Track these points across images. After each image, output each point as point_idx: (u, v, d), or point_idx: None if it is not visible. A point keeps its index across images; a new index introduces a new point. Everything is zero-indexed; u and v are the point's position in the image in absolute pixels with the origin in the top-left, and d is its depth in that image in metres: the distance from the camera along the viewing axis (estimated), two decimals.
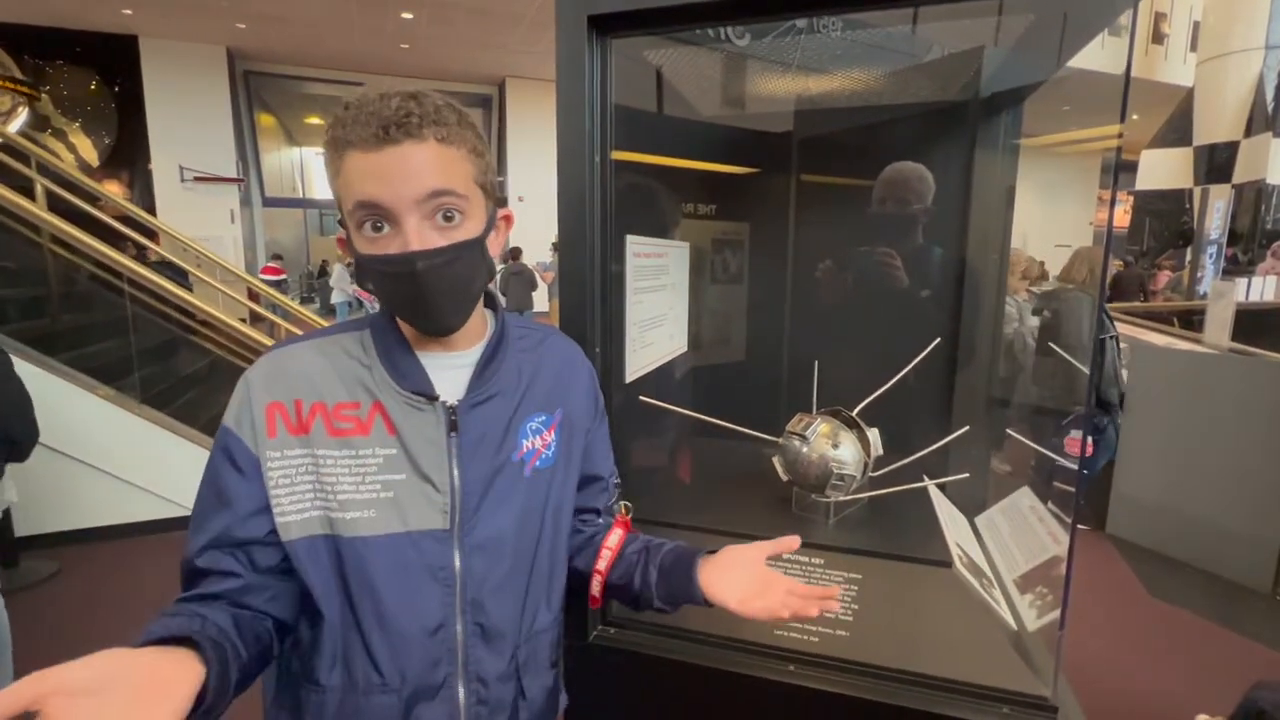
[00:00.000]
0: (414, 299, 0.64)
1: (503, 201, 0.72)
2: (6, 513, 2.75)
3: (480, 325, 0.74)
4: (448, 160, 0.62)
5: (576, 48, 0.91)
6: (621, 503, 0.92)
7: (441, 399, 0.69)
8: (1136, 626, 2.58)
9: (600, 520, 0.87)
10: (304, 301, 12.69)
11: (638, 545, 0.83)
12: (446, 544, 0.68)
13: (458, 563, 0.68)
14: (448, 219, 0.63)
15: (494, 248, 0.70)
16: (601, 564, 0.81)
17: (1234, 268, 5.97)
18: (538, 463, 0.74)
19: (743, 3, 0.87)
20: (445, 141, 0.62)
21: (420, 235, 0.61)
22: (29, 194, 3.72)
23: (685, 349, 1.50)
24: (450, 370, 0.71)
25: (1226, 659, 2.37)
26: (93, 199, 4.66)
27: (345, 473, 0.66)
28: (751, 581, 0.74)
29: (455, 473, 0.68)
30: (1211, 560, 2.89)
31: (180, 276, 4.70)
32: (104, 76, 8.71)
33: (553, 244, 8.96)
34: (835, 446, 1.20)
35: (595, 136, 0.95)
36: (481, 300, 0.73)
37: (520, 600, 0.73)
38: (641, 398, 1.24)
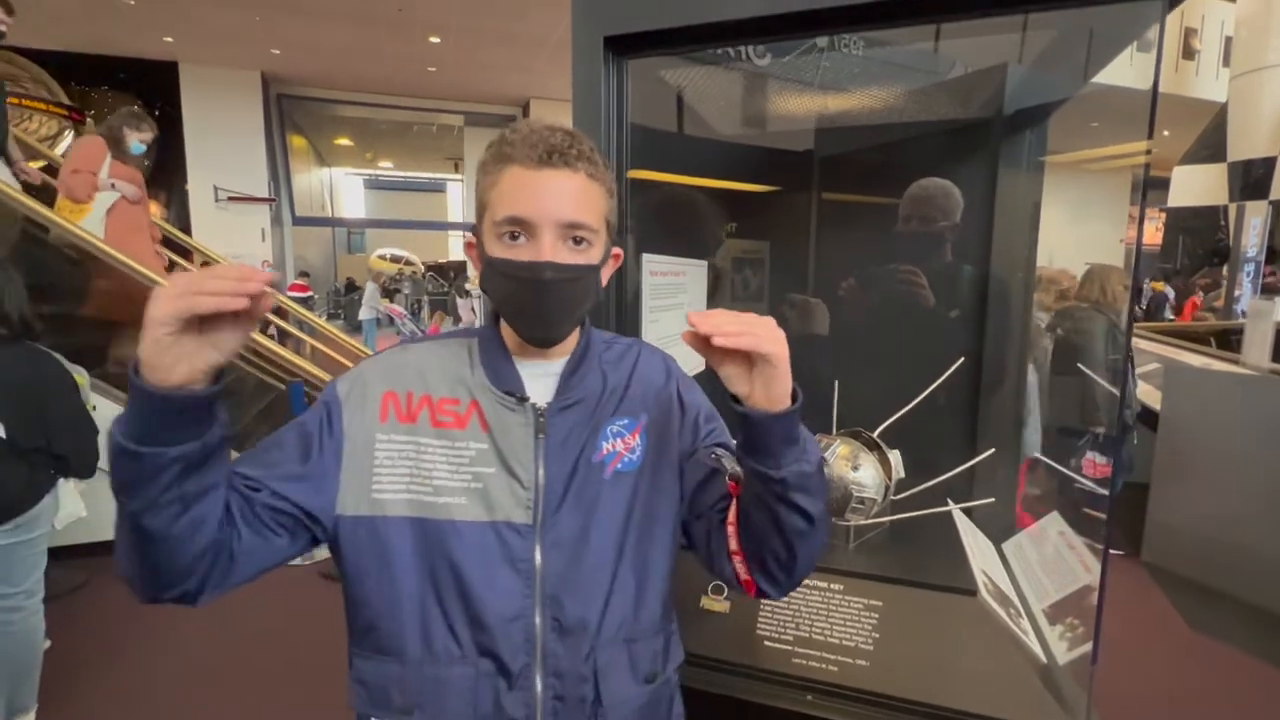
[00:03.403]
0: (532, 305, 0.70)
1: (618, 240, 0.79)
2: None
3: (571, 338, 0.79)
4: (590, 194, 0.70)
5: (593, 68, 0.92)
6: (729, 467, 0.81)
7: (531, 401, 0.74)
8: (1174, 661, 2.47)
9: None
10: (330, 318, 12.93)
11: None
12: (529, 538, 0.71)
13: (538, 557, 0.71)
14: (577, 243, 0.70)
15: (603, 278, 0.77)
16: (733, 543, 0.74)
17: (1273, 285, 5.80)
18: (619, 465, 0.76)
19: (756, 23, 0.87)
20: (592, 177, 0.70)
21: (554, 250, 0.68)
22: None
23: (703, 368, 1.48)
24: (542, 378, 0.76)
25: (1270, 698, 2.25)
26: None
27: (442, 461, 0.72)
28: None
29: (540, 471, 0.72)
30: (1254, 592, 2.77)
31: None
32: (145, 101, 9.04)
33: None
34: (855, 468, 1.17)
35: (612, 156, 0.95)
36: None
37: (600, 601, 0.74)
38: None
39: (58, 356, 2.06)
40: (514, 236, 0.68)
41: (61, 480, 2.06)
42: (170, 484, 0.58)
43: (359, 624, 0.73)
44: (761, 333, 0.61)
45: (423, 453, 0.72)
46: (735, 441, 0.73)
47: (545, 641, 0.71)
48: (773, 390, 0.62)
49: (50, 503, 2.00)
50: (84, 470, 2.06)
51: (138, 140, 3.51)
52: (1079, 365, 2.55)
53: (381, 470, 0.71)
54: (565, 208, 0.68)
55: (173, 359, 0.54)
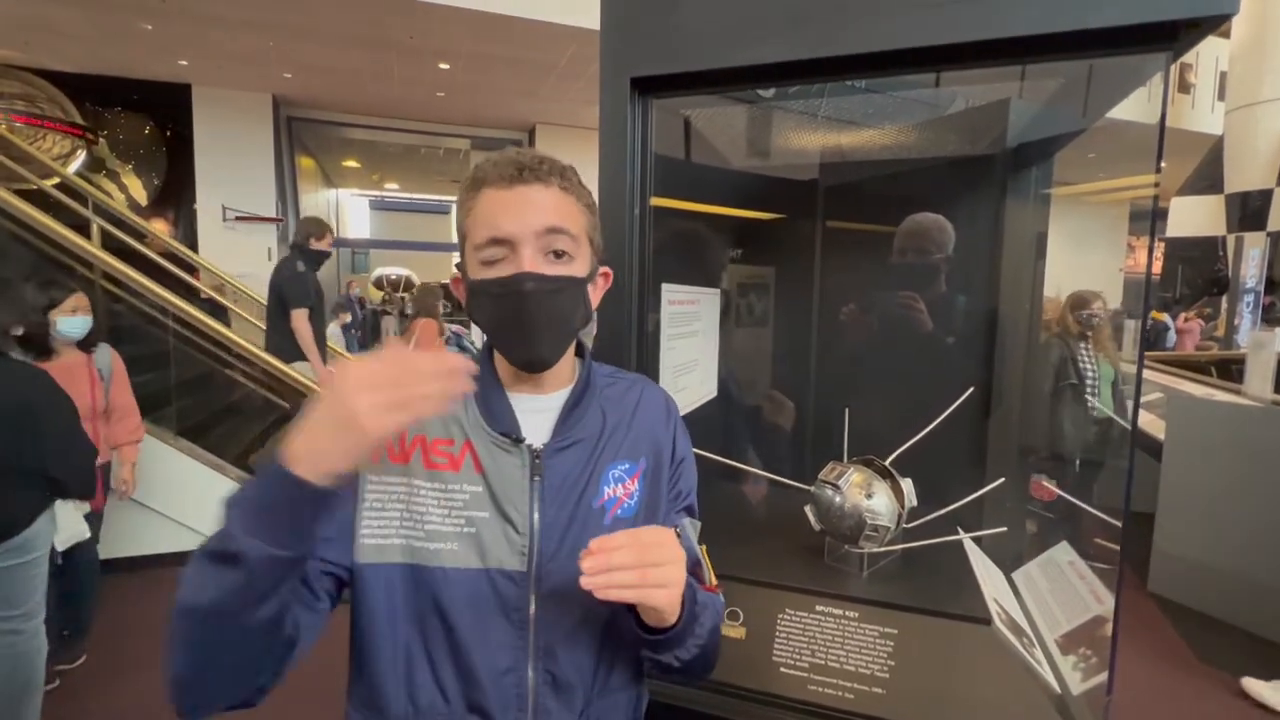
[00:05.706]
0: (516, 321, 0.68)
1: (605, 261, 0.78)
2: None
3: (568, 371, 0.77)
4: (566, 205, 0.70)
5: (619, 107, 0.96)
6: None
7: (527, 442, 0.71)
8: (1186, 693, 2.45)
9: None
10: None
11: None
12: (523, 586, 0.68)
13: (533, 607, 0.69)
14: (558, 255, 0.69)
15: (593, 297, 0.75)
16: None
17: (1273, 316, 5.84)
18: (619, 511, 0.74)
19: (779, 68, 0.91)
20: (566, 190, 0.70)
21: (534, 262, 0.67)
22: (80, 229, 3.90)
23: (715, 394, 1.51)
24: (537, 414, 0.73)
25: None
26: (140, 236, 4.89)
27: (435, 504, 0.69)
28: None
29: (535, 516, 0.69)
30: (1263, 624, 2.75)
31: (220, 313, 4.86)
32: (157, 122, 9.18)
33: None
34: (869, 496, 1.18)
35: (635, 189, 0.98)
36: (573, 348, 0.77)
37: (594, 653, 0.72)
38: None
39: (50, 377, 1.95)
40: (495, 258, 0.67)
41: (60, 501, 2.02)
42: (285, 578, 0.57)
43: (352, 674, 0.71)
44: (653, 580, 0.60)
45: (415, 495, 0.69)
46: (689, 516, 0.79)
47: (538, 697, 0.68)
48: (660, 615, 0.65)
49: (47, 525, 1.95)
50: (83, 491, 2.03)
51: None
52: (1078, 391, 2.58)
53: (371, 513, 0.68)
54: (541, 217, 0.67)
55: (353, 459, 0.54)
